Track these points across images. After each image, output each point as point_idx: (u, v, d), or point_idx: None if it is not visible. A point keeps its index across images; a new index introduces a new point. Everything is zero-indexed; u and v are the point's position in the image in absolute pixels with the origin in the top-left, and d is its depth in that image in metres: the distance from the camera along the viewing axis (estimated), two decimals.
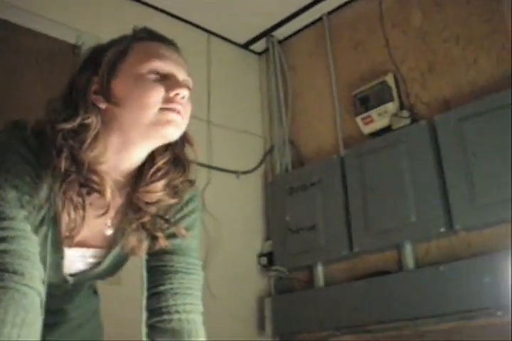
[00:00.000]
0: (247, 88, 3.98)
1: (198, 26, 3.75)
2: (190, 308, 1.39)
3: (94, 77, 1.26)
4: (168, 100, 1.24)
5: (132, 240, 1.34)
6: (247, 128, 3.79)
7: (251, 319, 3.37)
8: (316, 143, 3.62)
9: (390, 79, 3.21)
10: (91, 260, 1.37)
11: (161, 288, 1.38)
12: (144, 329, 1.39)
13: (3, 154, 1.18)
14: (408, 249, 2.90)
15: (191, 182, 1.38)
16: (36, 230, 1.21)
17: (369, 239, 3.01)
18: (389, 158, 3.03)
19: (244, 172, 3.65)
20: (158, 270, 1.40)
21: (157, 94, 1.23)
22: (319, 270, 3.25)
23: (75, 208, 1.22)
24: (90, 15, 3.14)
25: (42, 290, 1.13)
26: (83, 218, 1.23)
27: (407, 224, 2.86)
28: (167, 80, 1.26)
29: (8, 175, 1.15)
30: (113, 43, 1.30)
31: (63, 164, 1.18)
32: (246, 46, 4.03)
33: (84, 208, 1.23)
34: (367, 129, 3.24)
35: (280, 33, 3.92)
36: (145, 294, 1.42)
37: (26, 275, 1.10)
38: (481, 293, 2.51)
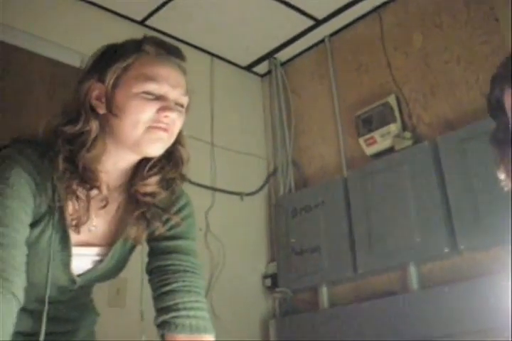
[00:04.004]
0: (250, 110, 4.00)
1: (201, 49, 3.79)
2: (202, 306, 1.44)
3: (97, 84, 1.33)
4: (157, 120, 1.31)
5: (133, 230, 1.43)
6: (250, 150, 3.81)
7: None
8: (319, 164, 3.63)
9: (392, 100, 3.23)
10: (96, 258, 1.43)
11: (174, 285, 1.43)
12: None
13: (5, 166, 1.26)
14: (413, 270, 2.89)
15: (183, 177, 1.47)
16: (41, 233, 1.29)
17: (373, 260, 3.00)
18: (392, 179, 3.03)
19: (248, 194, 3.65)
20: (167, 269, 1.46)
21: (147, 115, 1.31)
22: (324, 291, 3.24)
23: (78, 199, 1.31)
24: (93, 38, 3.16)
25: (22, 298, 1.17)
26: (87, 209, 1.33)
27: (411, 244, 2.86)
28: (160, 101, 1.32)
29: (8, 184, 1.23)
30: (120, 53, 1.37)
31: (61, 165, 1.28)
32: (249, 68, 4.06)
33: (87, 199, 1.33)
34: (370, 150, 3.25)
35: (282, 55, 3.95)
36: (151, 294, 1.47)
37: (14, 284, 1.15)
38: (487, 314, 2.49)
